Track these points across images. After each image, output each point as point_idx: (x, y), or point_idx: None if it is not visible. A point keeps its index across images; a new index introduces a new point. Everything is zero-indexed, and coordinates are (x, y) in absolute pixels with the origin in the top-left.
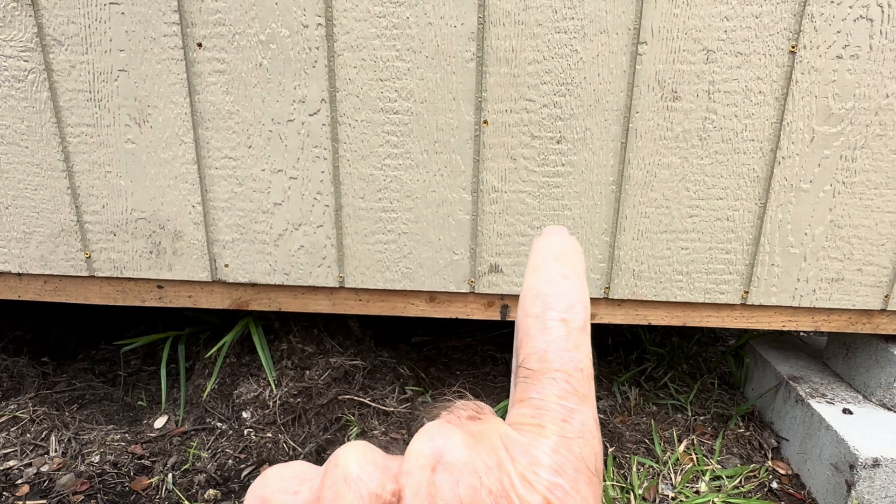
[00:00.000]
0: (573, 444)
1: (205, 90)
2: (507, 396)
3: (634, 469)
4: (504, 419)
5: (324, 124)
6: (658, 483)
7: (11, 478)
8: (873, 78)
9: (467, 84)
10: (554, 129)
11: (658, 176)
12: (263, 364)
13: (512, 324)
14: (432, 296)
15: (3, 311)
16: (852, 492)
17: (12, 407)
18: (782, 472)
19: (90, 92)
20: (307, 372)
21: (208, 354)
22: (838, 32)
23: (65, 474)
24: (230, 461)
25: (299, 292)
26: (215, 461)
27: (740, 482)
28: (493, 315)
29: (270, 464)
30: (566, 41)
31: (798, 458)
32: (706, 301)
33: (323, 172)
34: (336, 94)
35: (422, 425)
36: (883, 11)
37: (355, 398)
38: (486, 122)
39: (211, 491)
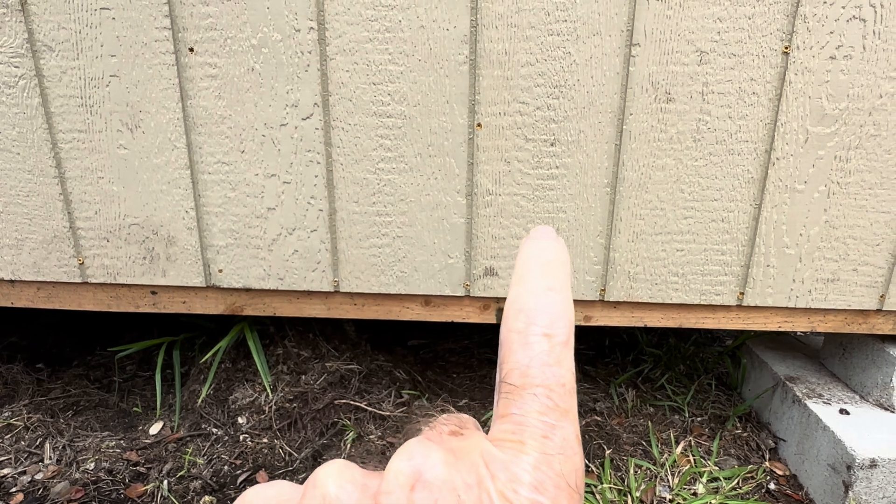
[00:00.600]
0: (554, 460)
1: (197, 95)
2: None
3: (632, 471)
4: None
5: (317, 128)
6: (656, 485)
7: (6, 486)
8: (867, 78)
9: (460, 87)
10: (548, 132)
11: (652, 178)
12: (259, 369)
13: None
14: (427, 299)
15: None
16: (850, 492)
17: (6, 414)
18: (780, 472)
19: (81, 97)
20: (303, 377)
21: (203, 360)
22: (831, 33)
23: (59, 482)
24: (226, 467)
25: (294, 297)
26: (211, 467)
27: (738, 483)
28: (489, 318)
29: (266, 469)
30: (559, 43)
31: (795, 458)
32: (702, 302)
33: (316, 177)
34: (329, 98)
35: (403, 442)
36: (875, 12)
37: (351, 402)
38: (479, 124)
39: (207, 497)
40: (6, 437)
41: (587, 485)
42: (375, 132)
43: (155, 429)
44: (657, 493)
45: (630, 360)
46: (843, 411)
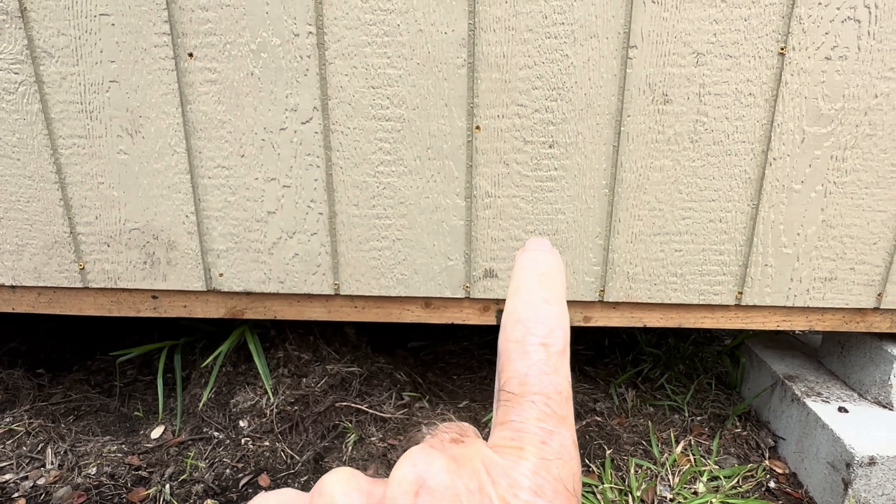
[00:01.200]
0: (552, 465)
1: (196, 100)
2: None
3: (632, 471)
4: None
5: (316, 132)
6: (656, 484)
7: (7, 491)
8: (862, 78)
9: (459, 90)
10: (546, 134)
11: (650, 179)
12: (260, 372)
13: None
14: (428, 302)
15: None
16: (849, 490)
17: (8, 419)
18: (779, 471)
19: (81, 103)
20: (304, 379)
21: (204, 364)
22: (826, 34)
23: (61, 487)
24: (228, 471)
25: (294, 300)
26: (213, 471)
27: (738, 482)
28: (489, 320)
29: (268, 472)
30: (557, 46)
31: (795, 457)
32: (701, 302)
33: (316, 180)
34: (328, 102)
35: (406, 450)
36: (870, 12)
37: (352, 405)
38: (478, 127)
39: (209, 501)
40: (8, 442)
41: (588, 485)
42: (375, 135)
43: (156, 433)
44: (658, 493)
45: (629, 360)
46: (841, 409)
